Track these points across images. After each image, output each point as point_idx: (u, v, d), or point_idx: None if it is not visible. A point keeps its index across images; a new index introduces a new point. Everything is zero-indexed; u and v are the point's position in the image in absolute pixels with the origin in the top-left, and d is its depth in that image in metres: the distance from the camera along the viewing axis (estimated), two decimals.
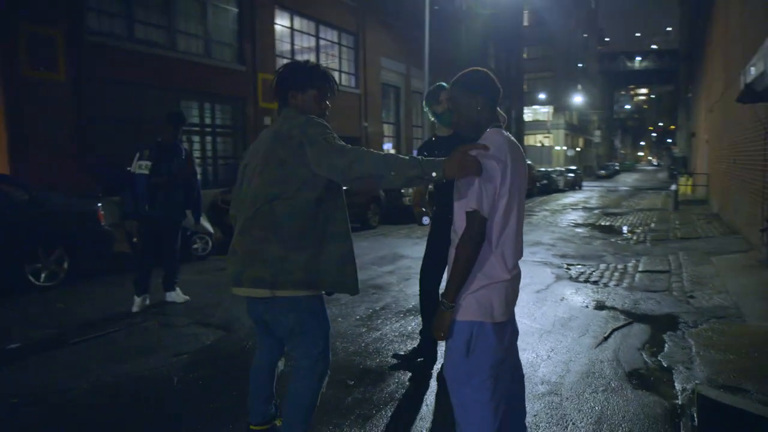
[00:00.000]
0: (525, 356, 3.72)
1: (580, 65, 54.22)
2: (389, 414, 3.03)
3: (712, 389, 2.92)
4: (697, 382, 3.24)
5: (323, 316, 2.33)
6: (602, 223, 12.80)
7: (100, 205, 6.87)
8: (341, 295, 5.54)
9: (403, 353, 3.80)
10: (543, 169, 31.93)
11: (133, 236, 8.65)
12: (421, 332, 3.86)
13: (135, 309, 5.11)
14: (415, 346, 3.88)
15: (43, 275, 6.16)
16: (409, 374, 3.58)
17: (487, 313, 2.02)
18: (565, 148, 48.34)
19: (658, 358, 3.79)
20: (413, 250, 8.89)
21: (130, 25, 11.60)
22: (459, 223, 2.02)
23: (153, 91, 11.95)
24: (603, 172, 50.64)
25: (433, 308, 3.54)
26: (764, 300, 5.17)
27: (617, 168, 59.67)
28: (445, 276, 2.19)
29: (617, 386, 3.31)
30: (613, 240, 10.01)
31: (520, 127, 37.23)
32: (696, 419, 2.83)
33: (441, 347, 3.81)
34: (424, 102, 3.77)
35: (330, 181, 2.19)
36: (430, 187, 3.81)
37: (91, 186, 9.21)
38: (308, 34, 17.25)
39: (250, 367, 2.47)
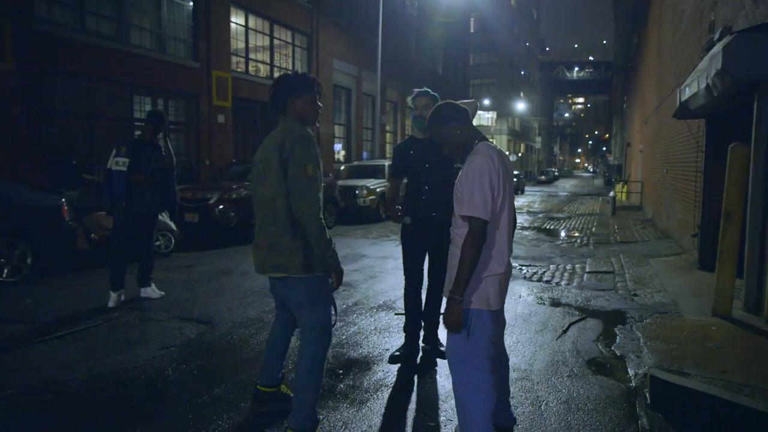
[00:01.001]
0: None
1: (522, 73, 56.09)
2: (384, 397, 3.30)
3: (662, 372, 3.35)
4: (649, 367, 3.68)
5: (328, 295, 2.80)
6: (547, 227, 13.51)
7: (63, 200, 6.77)
8: None
9: (398, 353, 3.97)
10: None
11: (92, 233, 8.55)
12: (405, 331, 4.04)
13: (111, 304, 5.15)
14: (403, 344, 4.03)
15: (5, 271, 6.05)
16: (394, 365, 3.85)
17: (484, 302, 2.34)
18: (507, 153, 49.87)
19: (612, 348, 4.23)
20: (372, 249, 9.16)
21: (80, 16, 11.32)
22: (460, 226, 2.33)
23: (104, 84, 11.73)
24: (543, 177, 52.60)
25: (419, 314, 3.85)
26: (698, 297, 5.76)
27: (556, 174, 62.09)
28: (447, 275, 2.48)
29: (579, 372, 3.72)
30: (558, 243, 10.64)
31: None
32: (648, 398, 3.26)
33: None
34: (410, 97, 4.00)
35: None
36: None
37: (41, 180, 9.00)
38: (262, 33, 17.23)
39: (242, 357, 2.74)
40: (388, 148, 25.62)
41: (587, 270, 7.57)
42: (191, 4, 14.14)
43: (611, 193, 16.51)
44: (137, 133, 12.82)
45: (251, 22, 16.64)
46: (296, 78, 2.81)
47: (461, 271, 2.25)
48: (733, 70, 4.95)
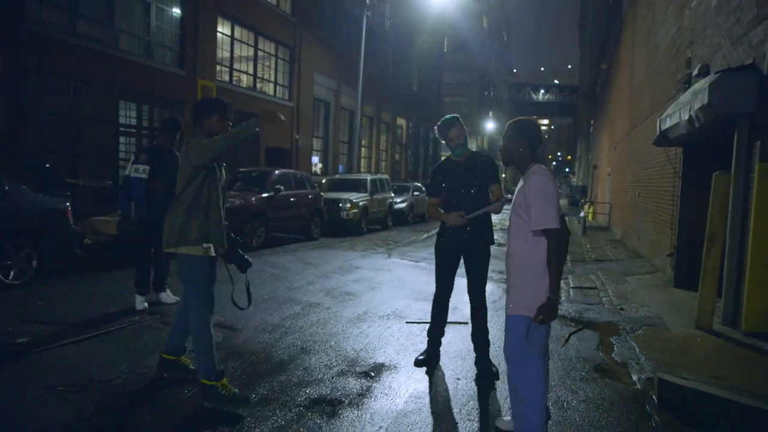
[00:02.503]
0: None
1: (492, 93, 57.49)
2: (417, 395, 3.56)
3: (669, 375, 3.72)
4: (654, 371, 4.05)
5: (210, 272, 3.43)
6: None
7: (68, 204, 6.81)
8: (326, 301, 6.02)
9: (422, 357, 4.23)
10: None
11: (85, 237, 8.54)
12: (429, 335, 4.30)
13: (139, 307, 5.29)
14: (426, 349, 4.28)
15: (12, 273, 6.06)
16: (421, 369, 4.12)
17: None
18: None
19: (612, 356, 4.61)
20: (365, 262, 9.41)
21: (72, 19, 11.31)
22: (529, 239, 2.65)
23: (92, 88, 11.72)
24: (509, 196, 53.43)
25: (444, 321, 4.09)
26: (678, 312, 6.24)
27: None
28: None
29: (590, 376, 4.07)
30: None
31: (437, 149, 38.96)
32: (656, 399, 3.63)
33: (444, 351, 4.40)
34: (436, 130, 4.31)
35: (208, 172, 3.38)
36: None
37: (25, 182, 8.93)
38: (247, 44, 17.41)
39: (274, 359, 3.02)
40: (364, 163, 25.98)
41: (572, 286, 8.01)
42: (179, 12, 14.23)
43: (581, 214, 17.19)
44: (147, 141, 12.89)
45: (237, 33, 16.81)
46: (208, 101, 3.58)
47: (555, 276, 2.60)
48: (718, 105, 5.46)
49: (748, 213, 5.45)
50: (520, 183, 2.80)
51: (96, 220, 8.20)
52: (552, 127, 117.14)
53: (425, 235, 14.75)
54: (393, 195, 17.82)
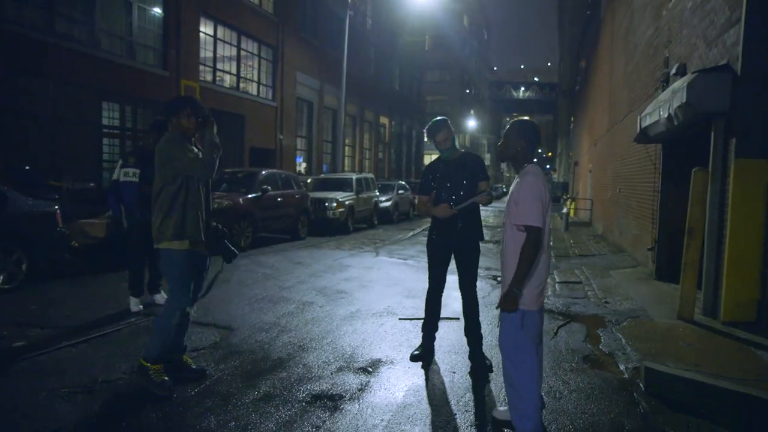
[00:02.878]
0: None
1: (472, 91, 57.86)
2: (414, 388, 3.68)
3: (655, 363, 3.90)
4: (641, 360, 4.22)
5: (185, 266, 3.59)
6: None
7: (57, 207, 6.80)
8: (319, 300, 6.11)
9: (417, 352, 4.35)
10: None
11: (73, 240, 8.51)
12: (423, 330, 4.43)
13: (134, 309, 5.33)
14: (420, 344, 4.42)
15: (2, 277, 6.04)
16: (416, 363, 4.24)
17: (535, 303, 2.82)
18: None
19: (600, 347, 4.78)
20: (354, 261, 9.51)
21: (50, 18, 11.20)
22: (512, 234, 2.78)
23: (73, 89, 11.62)
24: (493, 193, 54.03)
25: (437, 316, 4.22)
26: (661, 304, 6.45)
27: (504, 190, 64.04)
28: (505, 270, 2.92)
29: (578, 367, 4.23)
30: None
31: (419, 147, 39.17)
32: (643, 386, 3.79)
33: (438, 346, 4.52)
34: (425, 132, 4.46)
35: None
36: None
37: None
38: (230, 43, 17.37)
39: (273, 357, 3.07)
40: (348, 162, 26.04)
41: (557, 280, 8.20)
42: (161, 12, 14.16)
43: (564, 210, 17.47)
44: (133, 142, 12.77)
45: (219, 33, 16.76)
46: (180, 99, 3.74)
47: (522, 270, 2.72)
48: (695, 104, 5.67)
49: (725, 207, 5.67)
50: (515, 181, 2.93)
51: (84, 223, 8.16)
52: None
53: (411, 233, 14.90)
54: (378, 194, 17.93)
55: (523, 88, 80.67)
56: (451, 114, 50.19)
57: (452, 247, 4.28)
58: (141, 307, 5.44)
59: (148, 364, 3.53)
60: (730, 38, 5.70)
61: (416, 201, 4.49)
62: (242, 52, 17.97)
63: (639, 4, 11.02)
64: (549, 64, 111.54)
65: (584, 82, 25.43)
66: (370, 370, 4.06)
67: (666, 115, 6.62)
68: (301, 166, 22.22)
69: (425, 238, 4.54)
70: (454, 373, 4.07)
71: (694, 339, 5.02)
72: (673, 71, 7.50)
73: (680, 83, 6.15)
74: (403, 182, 22.68)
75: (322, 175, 18.94)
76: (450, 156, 4.32)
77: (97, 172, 12.31)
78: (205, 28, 16.08)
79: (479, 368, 4.08)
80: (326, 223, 14.08)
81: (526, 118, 3.41)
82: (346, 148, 25.67)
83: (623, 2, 13.62)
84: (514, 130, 2.98)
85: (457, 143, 4.46)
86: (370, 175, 18.41)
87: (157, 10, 14.13)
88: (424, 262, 9.61)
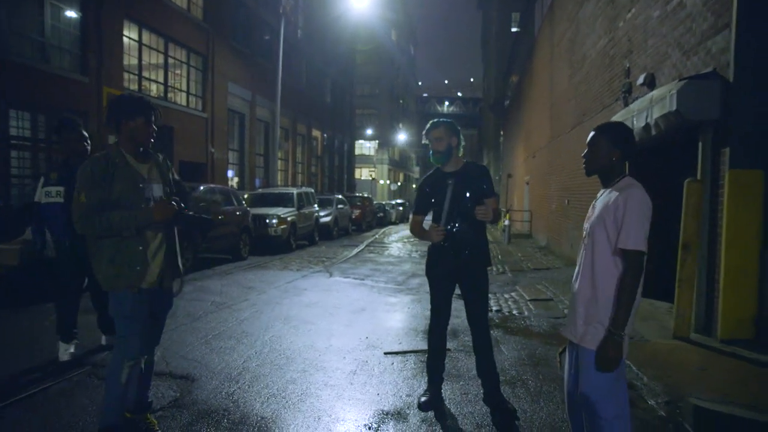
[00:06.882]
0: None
1: (401, 104, 58.26)
2: None
3: (703, 401, 3.46)
4: (686, 396, 3.79)
5: (130, 313, 2.84)
6: None
7: None
8: (285, 333, 5.33)
9: (425, 398, 3.69)
10: (375, 202, 33.33)
11: None
12: (428, 369, 3.80)
13: (64, 358, 4.28)
14: (426, 389, 3.79)
15: None
16: (429, 413, 3.58)
17: (629, 330, 2.29)
18: (388, 182, 51.21)
19: None
20: (308, 282, 8.74)
21: None
22: (611, 260, 2.23)
23: None
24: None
25: (444, 353, 3.60)
26: (645, 321, 6.15)
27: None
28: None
29: None
30: None
31: (351, 161, 38.67)
32: (691, 428, 3.34)
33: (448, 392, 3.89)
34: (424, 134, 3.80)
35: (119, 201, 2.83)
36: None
37: None
38: (157, 50, 16.13)
39: (254, 413, 2.35)
40: (281, 176, 25.05)
41: (528, 298, 7.81)
42: (78, 12, 12.81)
43: (506, 222, 17.42)
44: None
45: (145, 38, 15.50)
46: (132, 100, 2.92)
47: (626, 307, 2.20)
48: (685, 112, 5.43)
49: (718, 220, 5.45)
50: (604, 197, 2.37)
51: None
52: None
53: (356, 250, 14.20)
54: (318, 209, 17.15)
55: (447, 103, 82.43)
56: (380, 127, 50.21)
57: (457, 275, 3.66)
58: (72, 350, 4.41)
59: None
60: (716, 45, 5.52)
61: (410, 220, 3.79)
62: (170, 60, 16.74)
63: (587, 14, 11.04)
64: (472, 79, 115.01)
65: (517, 97, 25.88)
66: (376, 426, 3.35)
67: (643, 125, 6.40)
68: (233, 180, 21.05)
69: (372, 255, 3.92)
70: (480, 427, 3.45)
71: (703, 362, 4.69)
72: (640, 81, 7.35)
73: (665, 91, 5.92)
74: (341, 196, 21.99)
75: (260, 190, 17.93)
76: (437, 162, 3.66)
77: (5, 189, 10.81)
78: (130, 33, 14.80)
79: (504, 414, 3.47)
80: (268, 241, 13.16)
81: (615, 119, 2.83)
82: (279, 162, 24.70)
83: (563, 15, 13.75)
84: (604, 137, 2.37)
85: (460, 152, 3.79)
86: (311, 190, 17.62)
87: (73, 11, 12.76)
88: (382, 282, 9.08)
